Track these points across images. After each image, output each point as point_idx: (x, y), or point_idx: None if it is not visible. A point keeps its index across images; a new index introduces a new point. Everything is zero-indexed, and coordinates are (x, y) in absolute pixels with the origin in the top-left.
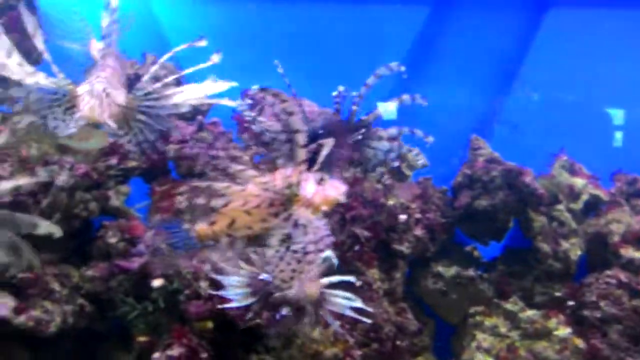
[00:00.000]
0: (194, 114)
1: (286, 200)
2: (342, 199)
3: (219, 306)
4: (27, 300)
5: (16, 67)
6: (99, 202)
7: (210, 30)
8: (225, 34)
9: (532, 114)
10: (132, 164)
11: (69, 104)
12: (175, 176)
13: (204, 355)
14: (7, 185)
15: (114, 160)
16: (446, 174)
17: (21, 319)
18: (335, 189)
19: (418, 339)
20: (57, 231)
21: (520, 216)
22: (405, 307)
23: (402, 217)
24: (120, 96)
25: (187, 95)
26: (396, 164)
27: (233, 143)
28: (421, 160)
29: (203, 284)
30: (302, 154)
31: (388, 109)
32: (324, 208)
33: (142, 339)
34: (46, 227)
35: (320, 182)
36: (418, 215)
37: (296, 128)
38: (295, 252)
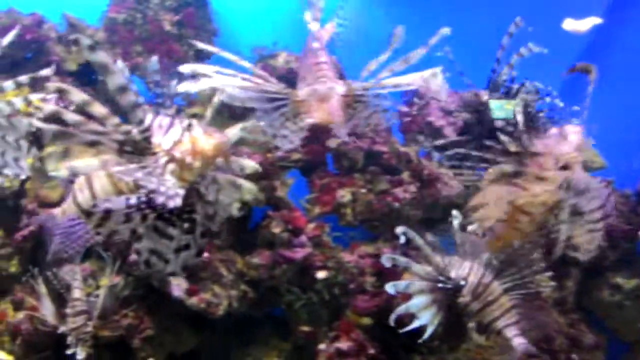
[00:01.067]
0: None
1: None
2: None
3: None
4: (198, 283)
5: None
6: (266, 192)
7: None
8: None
9: None
10: (297, 156)
11: (294, 110)
12: (332, 170)
13: (372, 351)
14: (235, 130)
15: (282, 152)
16: (628, 177)
17: (193, 300)
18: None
19: (592, 354)
20: (259, 168)
21: None
22: (578, 319)
23: None
24: (342, 88)
25: (398, 80)
26: None
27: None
28: (599, 161)
29: (369, 279)
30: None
31: (504, 106)
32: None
33: (305, 329)
34: (251, 166)
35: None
36: None
37: None
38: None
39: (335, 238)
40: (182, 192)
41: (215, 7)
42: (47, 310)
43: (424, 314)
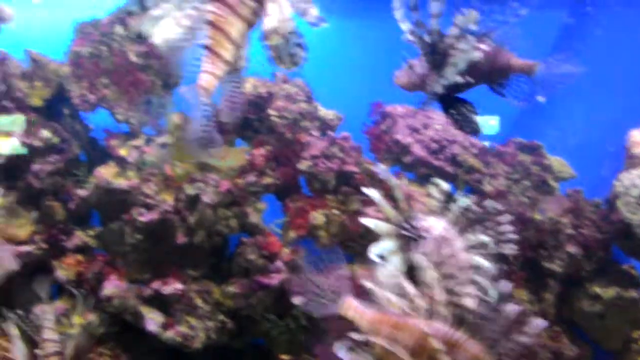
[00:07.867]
0: (324, 129)
1: None
2: None
3: None
4: (173, 316)
5: None
6: (239, 218)
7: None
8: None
9: None
10: (268, 180)
11: None
12: (306, 192)
13: None
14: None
15: (252, 177)
16: (597, 186)
17: (169, 334)
18: None
19: None
20: None
21: None
22: (559, 331)
23: None
24: None
25: None
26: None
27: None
28: (568, 171)
29: None
30: None
31: (489, 123)
32: None
33: (284, 357)
34: None
35: None
36: (570, 231)
37: None
38: None
39: None
40: None
41: None
42: (19, 352)
43: (393, 259)
